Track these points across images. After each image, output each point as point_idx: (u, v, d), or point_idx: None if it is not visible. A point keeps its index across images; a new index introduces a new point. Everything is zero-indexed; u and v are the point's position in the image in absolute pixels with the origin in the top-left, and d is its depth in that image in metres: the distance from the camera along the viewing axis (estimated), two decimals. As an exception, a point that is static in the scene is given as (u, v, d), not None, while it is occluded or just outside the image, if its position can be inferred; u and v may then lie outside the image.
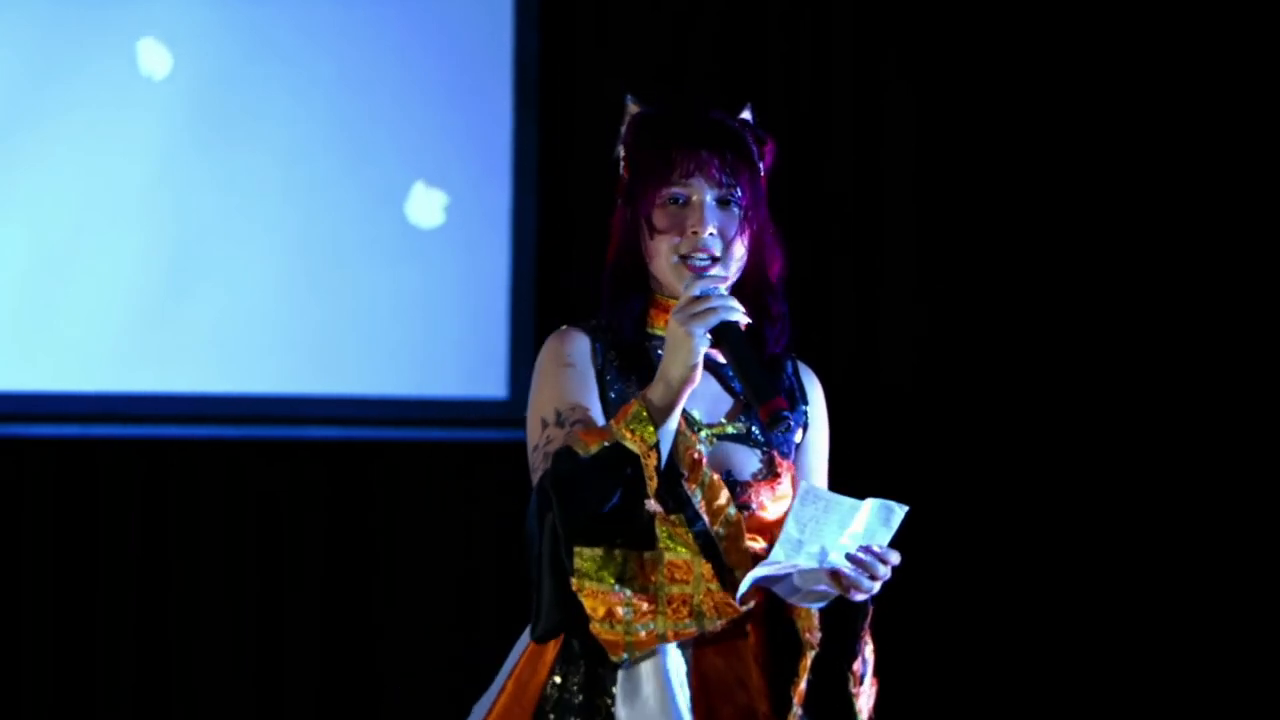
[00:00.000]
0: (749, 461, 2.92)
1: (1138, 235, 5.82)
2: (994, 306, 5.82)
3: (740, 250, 2.94)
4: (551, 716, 2.90)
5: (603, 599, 2.82)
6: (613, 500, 2.78)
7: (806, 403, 3.04)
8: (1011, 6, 5.82)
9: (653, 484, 2.79)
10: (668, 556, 2.83)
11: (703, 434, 2.91)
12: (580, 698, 2.88)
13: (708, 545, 2.83)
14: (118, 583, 5.54)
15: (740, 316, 2.82)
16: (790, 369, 3.07)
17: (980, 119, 5.82)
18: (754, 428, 2.94)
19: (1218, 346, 5.79)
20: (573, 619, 2.84)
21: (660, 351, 2.87)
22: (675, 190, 2.92)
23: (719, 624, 2.84)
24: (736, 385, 2.94)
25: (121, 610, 5.53)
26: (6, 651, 5.50)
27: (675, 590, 2.83)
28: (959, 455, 5.80)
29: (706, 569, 2.82)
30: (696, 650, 2.87)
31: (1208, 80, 5.80)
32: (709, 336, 2.80)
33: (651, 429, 2.78)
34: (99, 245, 5.52)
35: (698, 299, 2.80)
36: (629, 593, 2.82)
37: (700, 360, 2.80)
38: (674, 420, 2.82)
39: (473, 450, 5.66)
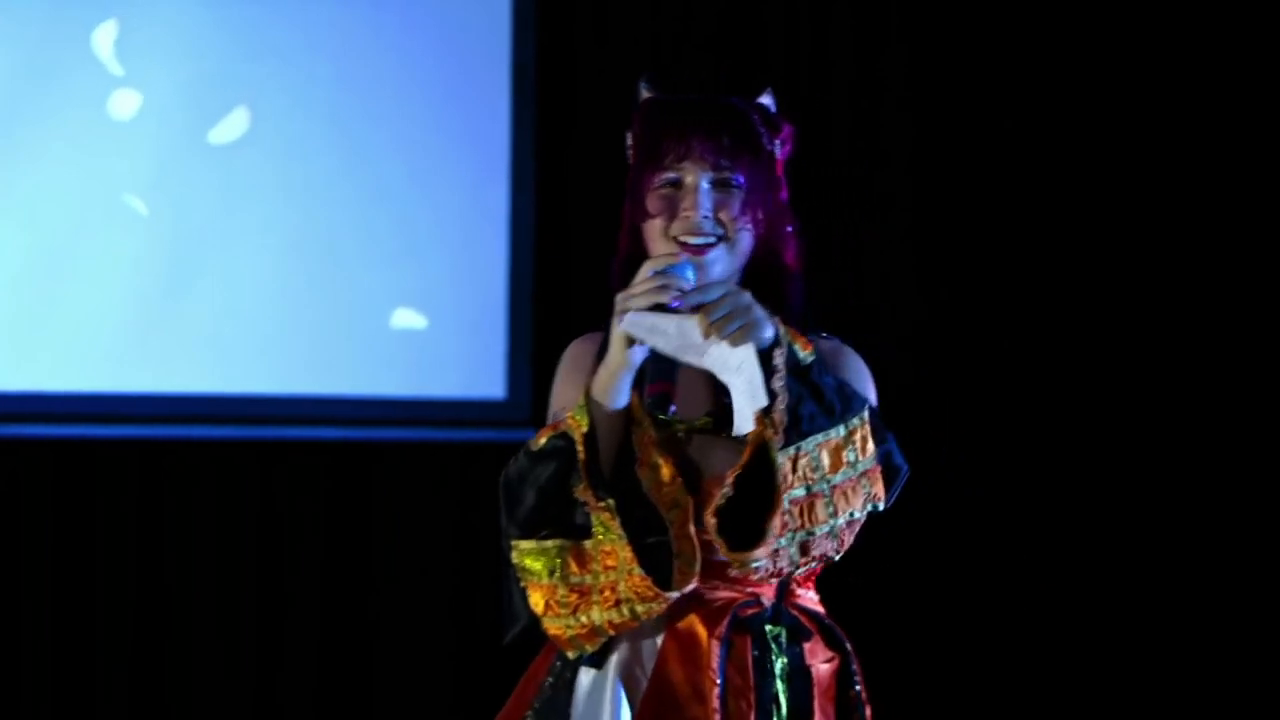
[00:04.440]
0: (726, 456, 2.80)
1: (1139, 229, 5.82)
2: (993, 299, 5.82)
3: (745, 234, 2.90)
4: (532, 712, 2.87)
5: (542, 592, 2.78)
6: (544, 488, 2.75)
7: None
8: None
9: (583, 469, 2.72)
10: (601, 546, 2.75)
11: (673, 428, 2.83)
12: (552, 695, 2.86)
13: (636, 532, 2.74)
14: (115, 583, 5.53)
15: (668, 296, 2.69)
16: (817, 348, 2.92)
17: (979, 118, 5.82)
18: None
19: (1220, 343, 5.79)
20: (514, 612, 2.81)
21: None
22: (668, 174, 2.86)
23: (653, 609, 2.75)
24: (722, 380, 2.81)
25: (119, 611, 5.53)
26: (4, 651, 5.49)
27: (604, 579, 2.76)
28: (957, 450, 5.80)
29: (627, 554, 2.73)
30: (659, 660, 2.81)
31: (1205, 69, 5.80)
32: (649, 317, 2.69)
33: (585, 416, 2.74)
34: (96, 245, 5.52)
35: (650, 279, 2.71)
36: (561, 585, 2.76)
37: (623, 346, 2.71)
38: (617, 402, 2.75)
39: (470, 451, 5.65)
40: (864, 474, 2.79)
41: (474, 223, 5.62)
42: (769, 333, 2.75)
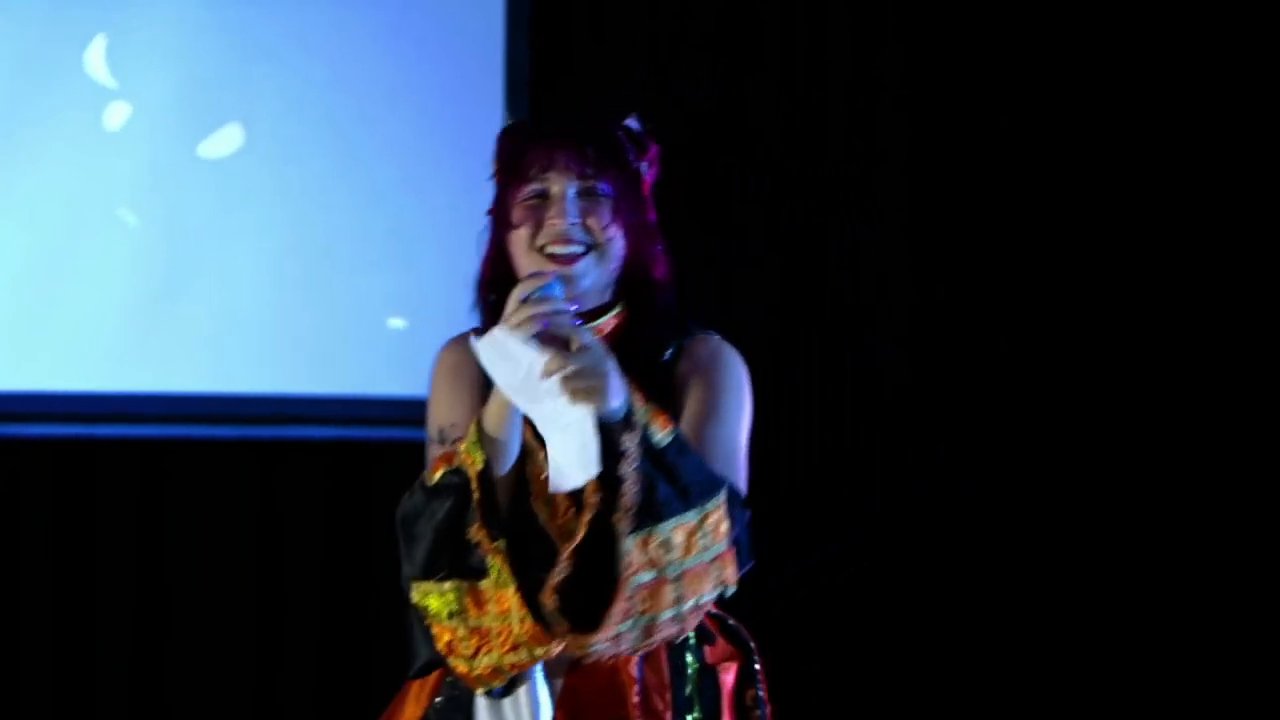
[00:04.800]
0: None
1: (1137, 227, 5.82)
2: (990, 298, 5.83)
3: (615, 242, 2.84)
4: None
5: (445, 632, 2.72)
6: (439, 527, 2.68)
7: (671, 391, 2.86)
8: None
9: (477, 509, 2.66)
10: (497, 588, 2.68)
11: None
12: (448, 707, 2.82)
13: (535, 567, 2.67)
14: (115, 583, 5.54)
15: (566, 321, 2.63)
16: (670, 354, 2.90)
17: (976, 117, 5.83)
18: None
19: (1219, 342, 5.80)
20: (416, 649, 2.76)
21: None
22: (533, 185, 2.83)
23: (550, 651, 2.69)
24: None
25: (119, 611, 5.53)
26: (4, 651, 5.50)
27: (500, 623, 2.69)
28: (954, 449, 5.81)
29: (516, 601, 2.66)
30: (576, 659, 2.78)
31: (1204, 68, 5.80)
32: (535, 345, 2.61)
33: (479, 454, 2.67)
34: (94, 245, 5.52)
35: (521, 305, 2.64)
36: (461, 627, 2.71)
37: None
38: (512, 436, 2.68)
39: (468, 450, 5.65)
40: (716, 558, 2.71)
41: (470, 223, 5.61)
42: (616, 404, 2.63)
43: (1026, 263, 5.82)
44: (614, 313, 2.89)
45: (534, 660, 2.71)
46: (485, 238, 2.93)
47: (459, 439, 2.77)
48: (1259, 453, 5.78)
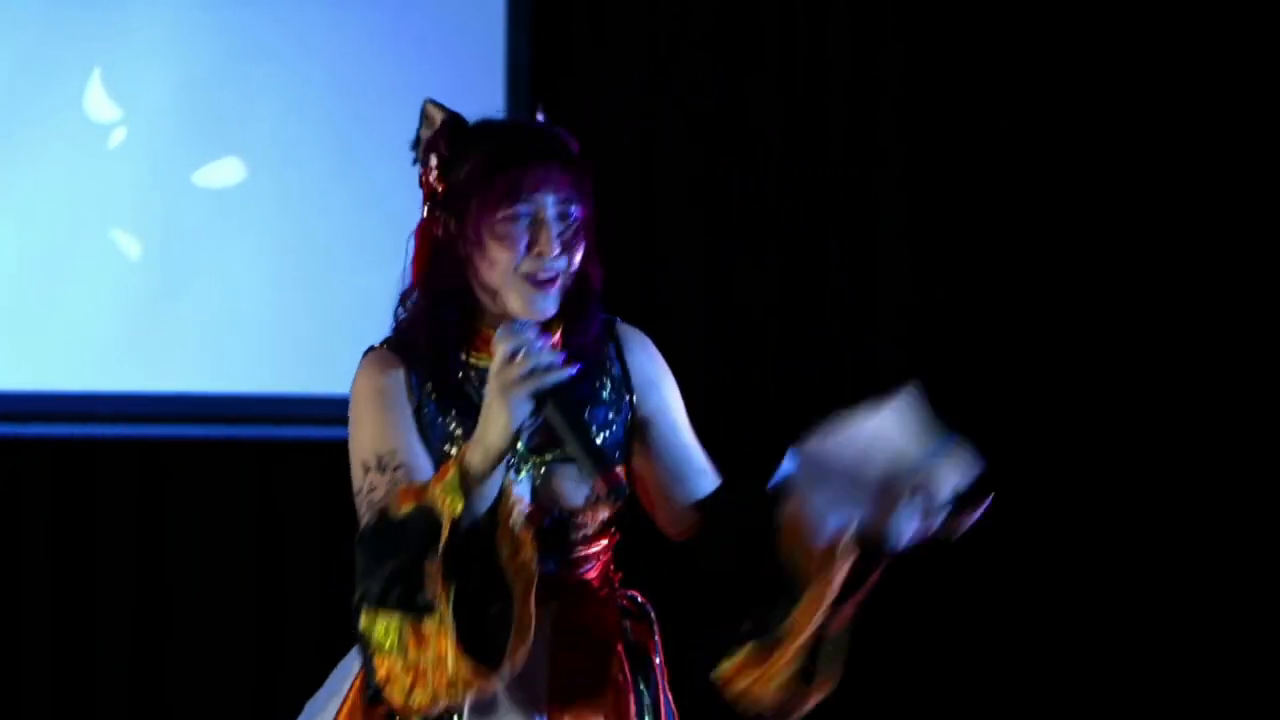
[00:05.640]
0: (580, 487, 2.82)
1: (1136, 227, 5.82)
2: (990, 298, 5.83)
3: (577, 263, 2.82)
4: None
5: (385, 662, 2.75)
6: (401, 563, 2.70)
7: (630, 390, 2.91)
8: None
9: (441, 553, 2.66)
10: (439, 628, 2.69)
11: (527, 466, 2.81)
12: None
13: (481, 597, 2.68)
14: (115, 583, 5.54)
15: (561, 374, 2.65)
16: (612, 351, 2.93)
17: (976, 117, 5.83)
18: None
19: (1218, 343, 5.80)
20: (369, 673, 2.78)
21: (481, 384, 2.73)
22: (520, 206, 2.77)
23: (486, 689, 2.71)
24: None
25: (119, 611, 5.53)
26: (4, 651, 5.49)
27: (433, 666, 2.70)
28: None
29: (453, 646, 2.67)
30: (557, 605, 2.82)
31: (1203, 68, 5.81)
32: (529, 404, 2.64)
33: (460, 502, 2.65)
34: (91, 245, 5.52)
35: (513, 359, 2.63)
36: (400, 660, 2.72)
37: (519, 428, 2.65)
38: (492, 483, 2.68)
39: (468, 450, 5.65)
40: None
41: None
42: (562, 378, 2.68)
43: (1026, 263, 5.82)
44: (559, 325, 2.87)
45: (466, 698, 2.73)
46: (441, 231, 2.89)
47: (398, 467, 2.79)
48: (1259, 452, 5.78)
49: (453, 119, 2.96)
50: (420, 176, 2.98)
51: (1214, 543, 5.78)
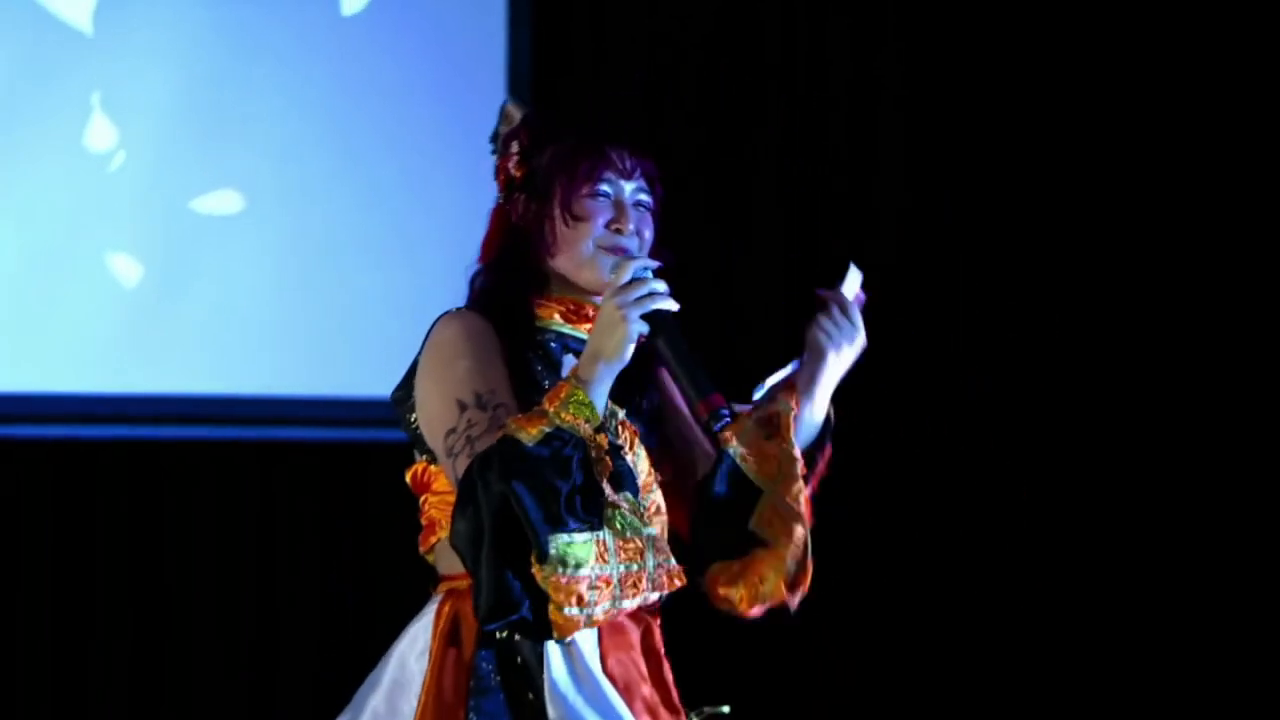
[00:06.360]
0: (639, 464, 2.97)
1: (1136, 227, 5.83)
2: (989, 298, 5.83)
3: (648, 244, 3.01)
4: (474, 701, 2.94)
5: (573, 584, 2.77)
6: (570, 485, 2.76)
7: (658, 390, 3.09)
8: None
9: (606, 466, 2.79)
10: (618, 538, 2.79)
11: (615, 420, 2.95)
12: (499, 680, 2.91)
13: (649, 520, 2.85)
14: (114, 583, 5.54)
15: (672, 304, 2.86)
16: None
17: (976, 117, 5.83)
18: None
19: (1218, 344, 5.80)
20: (513, 601, 2.80)
21: (554, 345, 2.96)
22: (602, 186, 2.98)
23: (660, 597, 2.86)
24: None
25: (119, 611, 5.53)
26: (3, 651, 5.49)
27: (626, 569, 2.80)
28: (954, 447, 5.81)
29: (658, 543, 2.83)
30: (601, 650, 2.91)
31: (1203, 68, 5.81)
32: (645, 323, 2.83)
33: (595, 410, 2.79)
34: (91, 245, 5.52)
35: (633, 282, 2.84)
36: (594, 575, 2.78)
37: (632, 346, 2.82)
38: (603, 402, 2.82)
39: (468, 450, 5.65)
40: None
41: (469, 222, 5.61)
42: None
43: (1026, 262, 5.82)
44: None
45: (641, 605, 2.84)
46: (519, 213, 3.05)
47: (499, 405, 2.87)
48: (1259, 452, 5.78)
49: (534, 113, 3.10)
50: (498, 165, 3.13)
51: (1214, 542, 5.78)
